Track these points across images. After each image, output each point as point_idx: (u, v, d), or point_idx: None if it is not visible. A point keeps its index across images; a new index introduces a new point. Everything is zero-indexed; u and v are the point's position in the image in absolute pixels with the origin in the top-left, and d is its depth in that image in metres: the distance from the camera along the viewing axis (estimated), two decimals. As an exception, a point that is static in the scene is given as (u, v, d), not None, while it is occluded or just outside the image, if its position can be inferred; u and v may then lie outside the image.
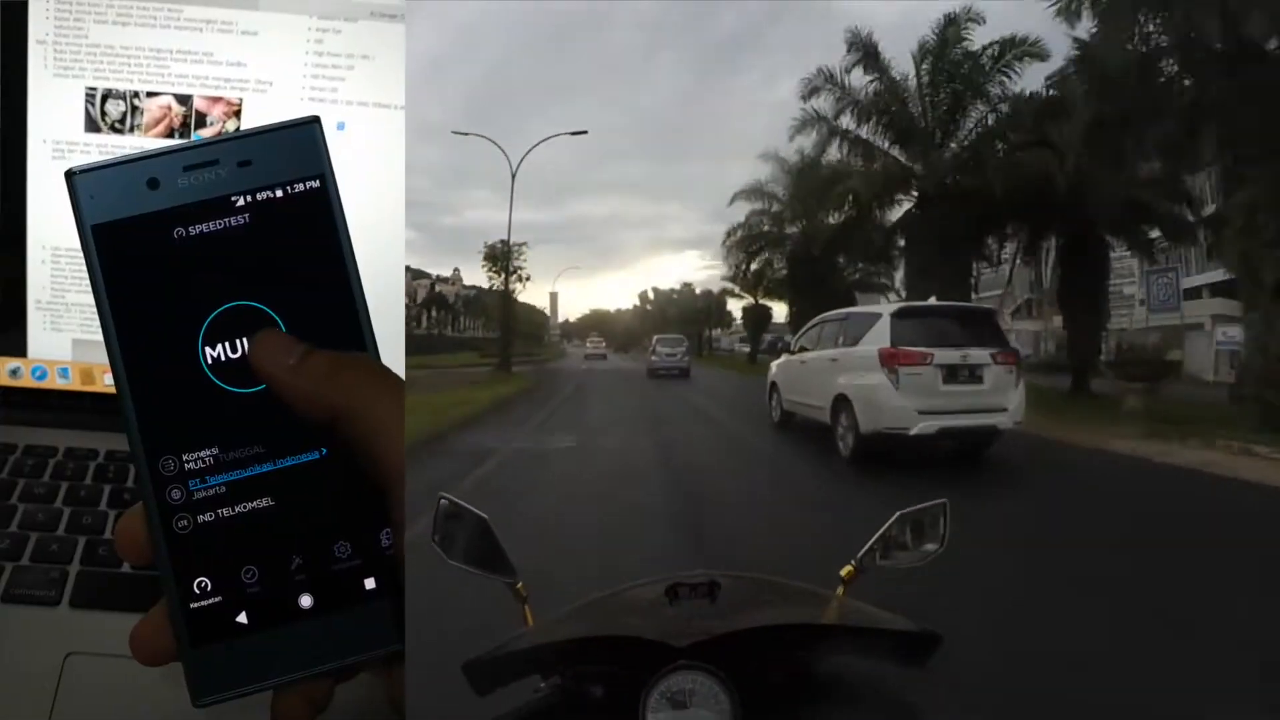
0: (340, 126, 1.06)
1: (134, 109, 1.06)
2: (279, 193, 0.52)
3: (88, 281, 1.05)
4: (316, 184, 0.52)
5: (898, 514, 0.84)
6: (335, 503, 0.52)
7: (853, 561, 0.83)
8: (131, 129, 1.06)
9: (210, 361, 0.51)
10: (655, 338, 19.58)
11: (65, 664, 0.89)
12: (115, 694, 0.86)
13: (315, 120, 0.53)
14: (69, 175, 0.50)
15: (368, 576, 0.52)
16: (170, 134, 1.06)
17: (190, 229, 0.51)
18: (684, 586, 0.70)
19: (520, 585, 0.82)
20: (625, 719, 0.58)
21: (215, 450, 0.51)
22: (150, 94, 1.06)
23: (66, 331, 1.09)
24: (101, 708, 0.87)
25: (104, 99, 1.06)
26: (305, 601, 0.51)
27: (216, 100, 1.06)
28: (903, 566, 0.83)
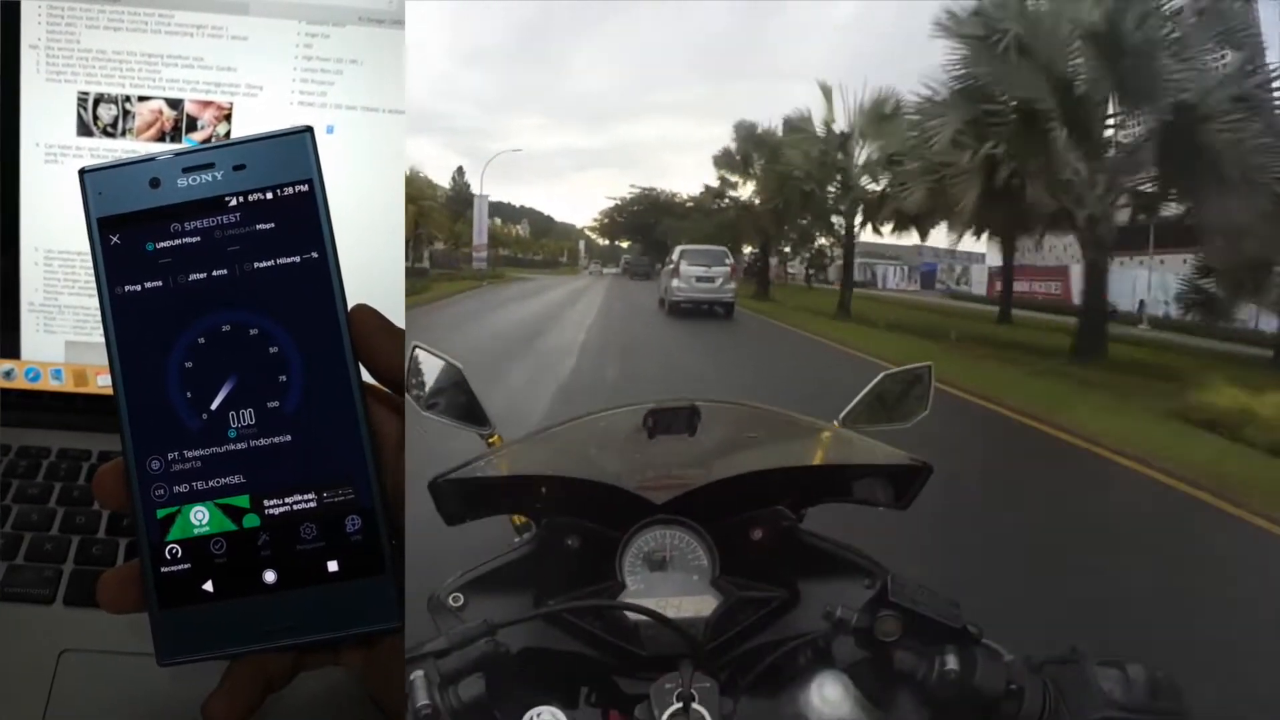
0: (330, 129, 1.07)
1: (126, 113, 1.07)
2: (269, 194, 0.56)
3: (81, 284, 1.08)
4: (305, 188, 0.56)
5: (882, 374, 0.82)
6: (303, 485, 0.55)
7: (835, 422, 0.81)
8: (123, 133, 1.07)
9: (198, 341, 0.55)
10: (679, 249, 11.69)
11: (60, 661, 0.90)
12: (109, 690, 0.88)
13: (307, 130, 0.57)
14: (81, 173, 0.56)
15: (330, 559, 0.54)
16: (162, 138, 1.08)
17: (186, 224, 0.55)
18: (663, 414, 0.68)
19: (495, 437, 0.80)
20: (603, 573, 0.58)
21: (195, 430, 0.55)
22: (142, 98, 1.07)
23: (59, 334, 1.11)
24: (96, 704, 0.88)
25: (96, 103, 1.07)
26: (269, 577, 0.54)
27: (207, 104, 1.07)
28: (886, 428, 0.81)
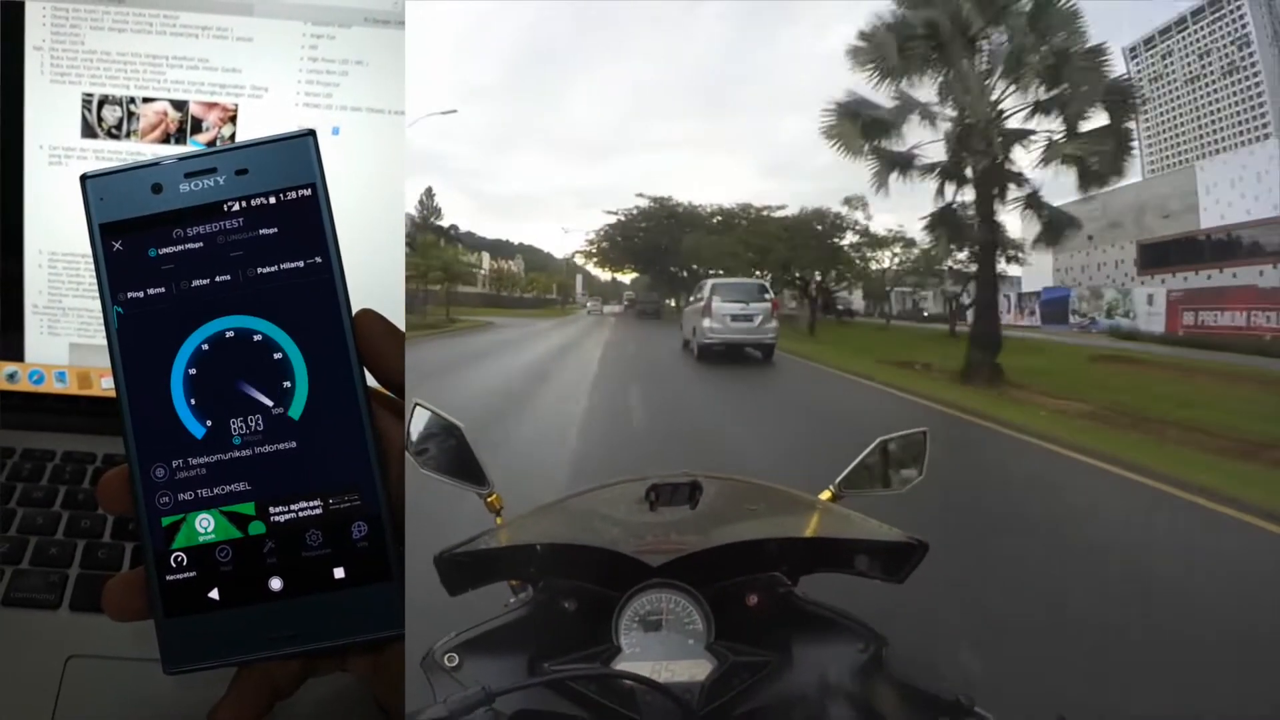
0: (335, 131, 1.07)
1: (130, 115, 1.07)
2: (272, 199, 0.55)
3: (85, 286, 1.07)
4: (308, 192, 0.55)
5: (878, 440, 0.83)
6: (309, 491, 0.54)
7: (831, 487, 0.82)
8: (128, 134, 1.07)
9: (202, 347, 0.55)
10: (711, 284, 10.07)
11: (66, 667, 0.90)
12: (116, 696, 0.87)
13: (310, 133, 0.56)
14: (82, 179, 0.55)
15: (337, 566, 0.54)
16: (166, 139, 1.07)
17: (189, 229, 0.55)
18: (665, 488, 0.69)
19: (493, 496, 0.81)
20: (599, 635, 0.58)
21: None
22: (146, 100, 1.07)
23: (64, 336, 1.10)
24: (102, 710, 0.87)
25: (100, 105, 1.06)
26: (275, 584, 0.54)
27: (212, 106, 1.07)
28: (882, 493, 0.82)
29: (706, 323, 9.46)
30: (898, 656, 0.60)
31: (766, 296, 9.79)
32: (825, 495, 0.81)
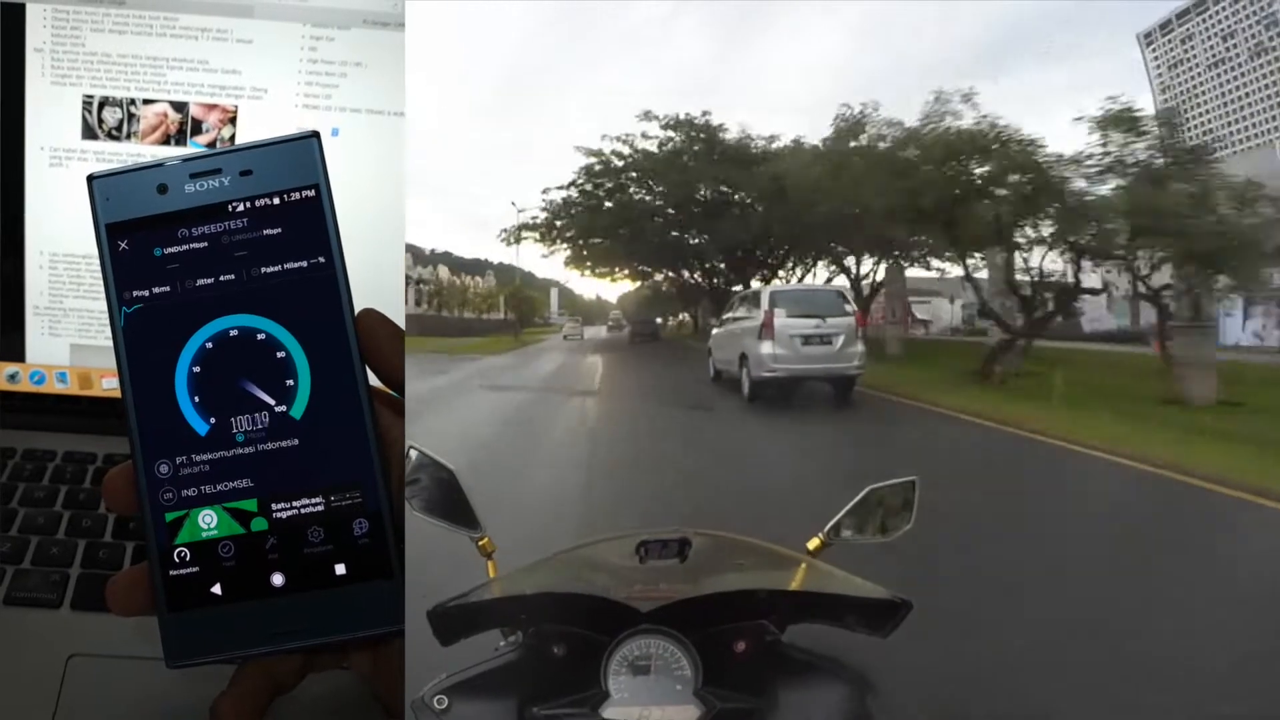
0: (335, 132, 1.07)
1: (130, 116, 1.07)
2: (276, 200, 0.56)
3: (86, 287, 1.08)
4: (311, 193, 0.56)
5: (867, 489, 0.83)
6: (311, 488, 0.55)
7: (820, 535, 0.82)
8: (128, 136, 1.07)
9: (206, 346, 0.55)
10: (769, 291, 6.80)
11: (68, 665, 0.90)
12: (118, 694, 0.88)
13: (314, 135, 0.57)
14: (89, 179, 0.56)
15: (339, 562, 0.55)
16: (166, 141, 1.08)
17: (193, 229, 0.56)
18: (655, 544, 0.70)
19: (485, 540, 0.82)
20: (587, 681, 0.59)
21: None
22: (147, 101, 1.07)
23: (64, 336, 1.11)
24: (104, 708, 0.88)
25: (101, 106, 1.07)
26: (277, 580, 0.54)
27: (212, 107, 1.08)
28: (871, 542, 0.82)
29: (765, 348, 6.33)
30: (884, 705, 0.61)
31: (848, 309, 6.70)
32: (814, 544, 0.81)
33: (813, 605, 0.69)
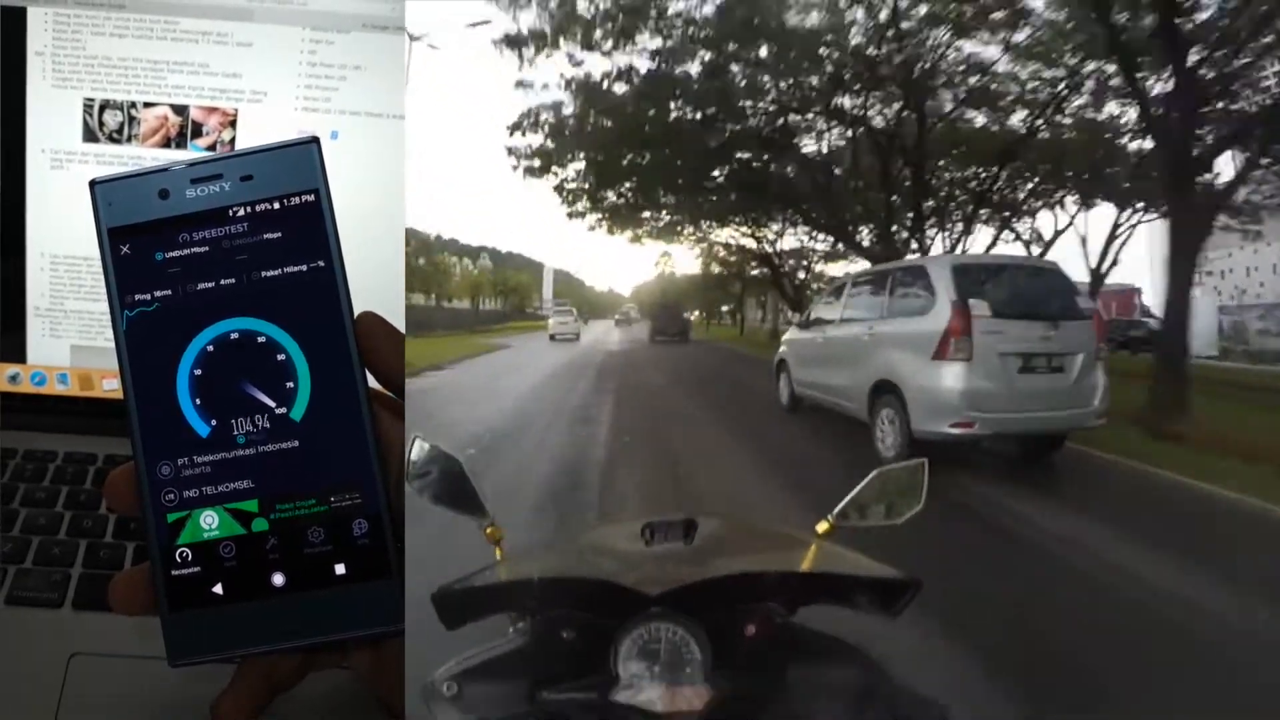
0: (334, 135, 1.08)
1: (131, 119, 1.08)
2: (276, 204, 0.57)
3: (86, 289, 1.09)
4: (311, 198, 0.57)
5: (876, 471, 0.82)
6: (311, 489, 0.56)
7: (829, 517, 0.82)
8: (129, 139, 1.08)
9: (207, 349, 0.56)
10: (949, 264, 4.04)
11: (70, 664, 0.91)
12: (119, 693, 0.89)
13: (314, 140, 0.57)
14: (91, 184, 0.57)
15: (338, 562, 0.55)
16: (167, 144, 1.08)
17: (195, 234, 0.56)
18: (661, 525, 0.71)
19: (491, 528, 0.82)
20: (597, 666, 0.59)
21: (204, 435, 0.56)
22: (147, 104, 1.08)
23: (65, 338, 1.11)
24: (106, 707, 0.89)
25: (102, 109, 1.07)
26: (277, 580, 0.55)
27: (212, 110, 1.08)
28: (881, 524, 0.82)
29: (951, 377, 3.79)
30: (895, 685, 0.61)
31: (1083, 305, 4.30)
32: (822, 527, 0.81)
33: (822, 586, 0.69)
